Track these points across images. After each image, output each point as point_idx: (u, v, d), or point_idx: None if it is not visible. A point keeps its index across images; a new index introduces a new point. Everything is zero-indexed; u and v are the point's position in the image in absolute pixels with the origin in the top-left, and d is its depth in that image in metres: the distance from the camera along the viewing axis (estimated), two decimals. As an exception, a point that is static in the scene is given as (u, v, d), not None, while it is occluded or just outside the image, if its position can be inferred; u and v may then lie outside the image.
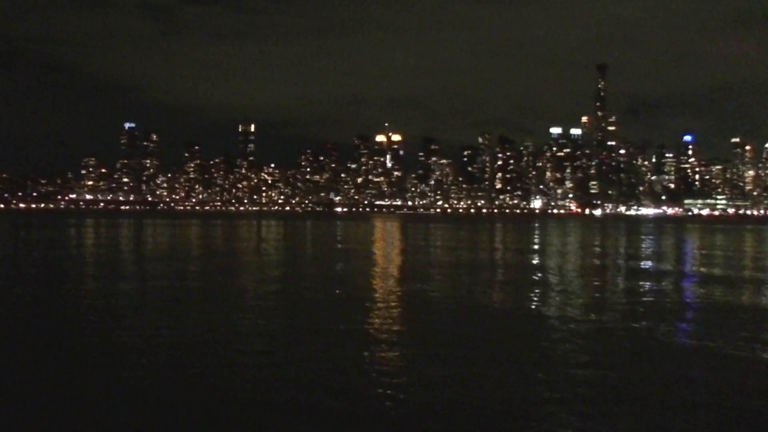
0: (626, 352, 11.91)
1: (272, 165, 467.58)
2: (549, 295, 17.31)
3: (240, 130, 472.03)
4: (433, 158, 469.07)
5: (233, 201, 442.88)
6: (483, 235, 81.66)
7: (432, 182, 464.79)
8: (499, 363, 11.14)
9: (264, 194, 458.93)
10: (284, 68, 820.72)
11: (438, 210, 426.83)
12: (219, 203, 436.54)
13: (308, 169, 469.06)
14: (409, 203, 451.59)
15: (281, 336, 13.49)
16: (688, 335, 12.63)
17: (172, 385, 10.33)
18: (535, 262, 31.90)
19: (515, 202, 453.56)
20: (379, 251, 40.19)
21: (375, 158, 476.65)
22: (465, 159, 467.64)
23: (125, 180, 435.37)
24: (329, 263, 29.45)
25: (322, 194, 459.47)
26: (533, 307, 14.59)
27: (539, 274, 22.07)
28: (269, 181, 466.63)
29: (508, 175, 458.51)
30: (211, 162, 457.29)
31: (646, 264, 28.06)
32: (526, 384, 10.12)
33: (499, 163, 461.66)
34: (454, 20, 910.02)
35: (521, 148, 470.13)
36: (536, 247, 51.28)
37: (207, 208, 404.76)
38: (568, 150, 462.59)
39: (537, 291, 18.05)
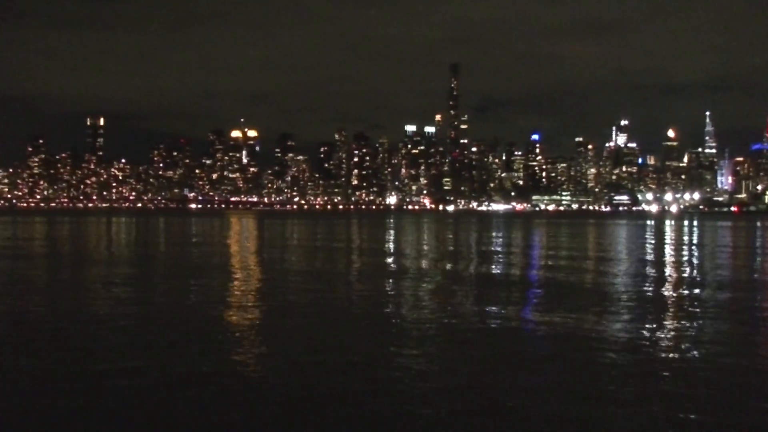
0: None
1: (123, 160, 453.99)
2: (398, 319, 17.36)
3: (88, 123, 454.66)
4: (290, 154, 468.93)
5: (81, 197, 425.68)
6: (340, 232, 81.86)
7: (288, 178, 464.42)
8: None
9: (114, 190, 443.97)
10: (135, 60, 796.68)
11: (294, 206, 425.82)
12: (66, 200, 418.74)
13: (161, 165, 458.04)
14: (266, 199, 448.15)
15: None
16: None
17: None
18: (392, 266, 32.14)
19: (371, 198, 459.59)
20: (236, 257, 39.53)
21: (230, 154, 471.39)
22: (321, 155, 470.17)
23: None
24: (183, 276, 28.51)
25: (176, 190, 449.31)
26: (393, 353, 14.09)
27: (393, 287, 22.00)
28: (119, 177, 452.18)
29: (363, 172, 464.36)
30: (57, 157, 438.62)
31: (496, 269, 28.75)
32: None
33: (355, 159, 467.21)
34: (311, 16, 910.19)
35: (377, 145, 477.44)
36: (391, 246, 51.93)
37: (53, 205, 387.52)
38: (422, 147, 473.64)
39: (390, 319, 17.99)
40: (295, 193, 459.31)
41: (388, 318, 16.32)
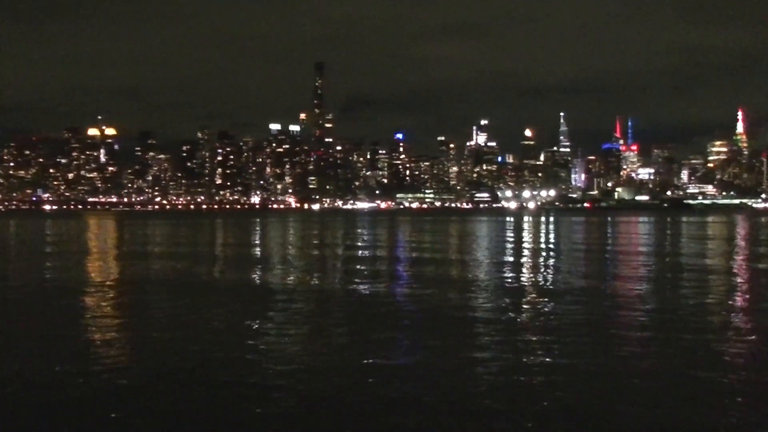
0: None
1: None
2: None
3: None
4: (151, 153, 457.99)
5: None
6: (203, 235, 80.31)
7: (149, 178, 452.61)
8: None
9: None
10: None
11: (156, 206, 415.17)
12: None
13: (12, 164, 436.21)
14: (125, 200, 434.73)
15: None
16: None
17: None
18: (256, 281, 31.60)
19: (235, 197, 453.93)
20: (93, 267, 37.88)
21: (87, 152, 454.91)
22: (184, 154, 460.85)
23: None
24: (34, 298, 27.00)
25: (29, 191, 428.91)
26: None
27: (257, 320, 21.40)
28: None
29: (227, 171, 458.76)
30: None
31: (363, 285, 28.72)
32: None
33: (219, 158, 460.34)
34: (173, 11, 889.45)
35: (241, 144, 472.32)
36: (257, 251, 51.23)
37: None
38: (287, 146, 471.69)
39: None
40: (156, 193, 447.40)
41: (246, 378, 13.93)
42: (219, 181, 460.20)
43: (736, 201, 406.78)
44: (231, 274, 34.54)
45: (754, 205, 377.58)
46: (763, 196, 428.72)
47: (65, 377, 13.54)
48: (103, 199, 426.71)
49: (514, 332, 17.93)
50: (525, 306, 22.68)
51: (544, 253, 47.53)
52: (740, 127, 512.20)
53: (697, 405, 11.93)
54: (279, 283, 29.17)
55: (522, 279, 30.45)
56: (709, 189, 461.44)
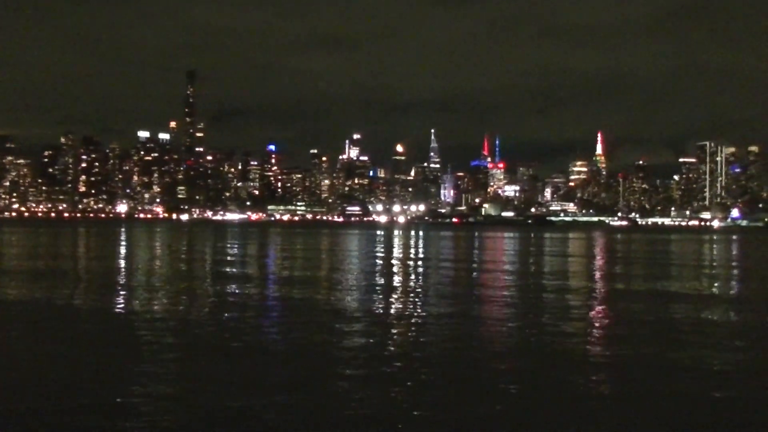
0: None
1: None
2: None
3: None
4: (9, 157, 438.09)
5: None
6: (64, 247, 77.27)
7: (7, 183, 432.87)
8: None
9: None
10: None
11: (14, 213, 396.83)
12: None
13: None
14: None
15: None
16: None
17: None
18: (119, 307, 30.54)
19: (100, 206, 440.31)
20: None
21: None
22: (45, 159, 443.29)
23: None
24: None
25: None
26: None
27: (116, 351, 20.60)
28: None
29: (92, 178, 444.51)
30: None
31: (233, 312, 28.19)
32: None
33: (84, 165, 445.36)
34: (34, 12, 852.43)
35: (107, 151, 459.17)
36: (122, 269, 49.45)
37: None
38: (156, 154, 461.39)
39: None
40: (14, 200, 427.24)
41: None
42: (83, 189, 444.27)
43: (595, 218, 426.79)
44: (94, 297, 33.08)
45: (611, 223, 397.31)
46: (620, 214, 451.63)
47: None
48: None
49: (381, 366, 18.08)
50: (392, 333, 22.92)
51: (413, 272, 48.25)
52: (599, 149, 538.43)
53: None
54: (146, 310, 28.12)
55: (392, 303, 30.76)
56: (570, 206, 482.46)
